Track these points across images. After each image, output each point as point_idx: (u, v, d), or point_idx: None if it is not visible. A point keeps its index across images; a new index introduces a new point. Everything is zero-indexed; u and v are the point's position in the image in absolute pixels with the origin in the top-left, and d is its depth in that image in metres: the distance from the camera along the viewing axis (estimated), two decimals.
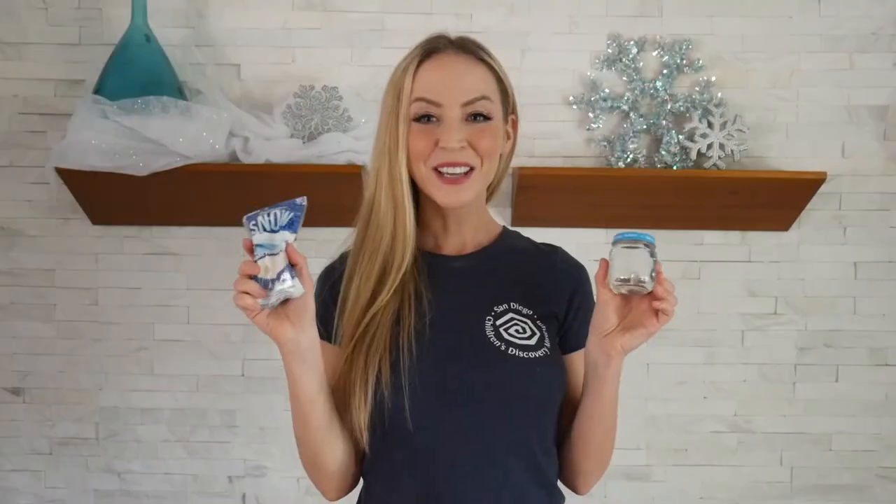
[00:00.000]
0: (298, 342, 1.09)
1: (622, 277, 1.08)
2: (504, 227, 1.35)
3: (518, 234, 1.35)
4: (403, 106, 1.18)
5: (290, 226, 1.05)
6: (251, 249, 1.05)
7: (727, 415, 2.21)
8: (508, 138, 1.28)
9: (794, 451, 2.21)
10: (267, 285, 1.03)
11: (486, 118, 1.20)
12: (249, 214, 1.07)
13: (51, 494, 2.19)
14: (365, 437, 1.19)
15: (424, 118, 1.19)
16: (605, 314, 1.12)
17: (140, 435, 2.19)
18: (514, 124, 1.29)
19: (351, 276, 1.23)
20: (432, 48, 1.21)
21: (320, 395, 1.16)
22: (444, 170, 1.18)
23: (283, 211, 1.05)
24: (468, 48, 1.23)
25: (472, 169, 1.19)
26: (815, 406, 2.21)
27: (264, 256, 1.03)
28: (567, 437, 1.26)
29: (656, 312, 1.09)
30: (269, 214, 1.05)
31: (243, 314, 1.06)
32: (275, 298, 1.04)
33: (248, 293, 1.03)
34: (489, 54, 1.24)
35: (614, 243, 1.10)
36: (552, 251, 1.32)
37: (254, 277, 1.03)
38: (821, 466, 2.21)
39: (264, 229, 1.04)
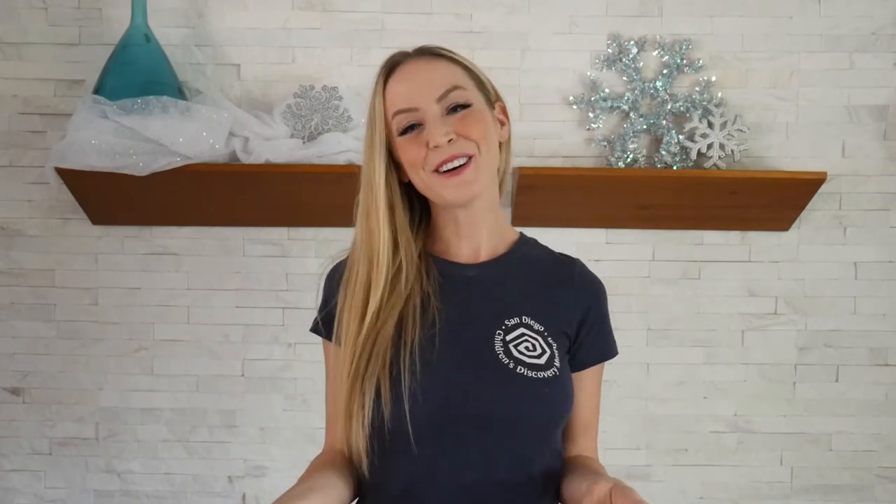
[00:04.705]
0: None
1: None
2: (521, 233, 1.32)
3: (535, 242, 1.32)
4: (377, 132, 1.18)
5: None
6: None
7: (727, 415, 2.21)
8: (502, 125, 1.26)
9: (794, 451, 2.21)
10: None
11: (465, 105, 1.18)
12: None
13: (51, 494, 2.19)
14: (365, 463, 1.19)
15: (409, 129, 1.18)
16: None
17: (140, 435, 2.19)
18: (504, 110, 1.27)
19: (346, 288, 1.22)
20: (392, 63, 1.21)
21: None
22: (444, 167, 1.17)
23: None
24: (424, 51, 1.22)
25: (470, 157, 1.17)
26: (815, 406, 2.21)
27: None
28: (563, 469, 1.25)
29: None
30: None
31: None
32: None
33: None
34: (449, 51, 1.23)
35: None
36: (571, 263, 1.29)
37: None
38: (821, 466, 2.21)
39: None
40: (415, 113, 1.17)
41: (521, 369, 1.16)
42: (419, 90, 1.17)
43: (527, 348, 1.18)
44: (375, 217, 1.19)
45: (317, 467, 1.22)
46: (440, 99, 1.17)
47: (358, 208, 1.22)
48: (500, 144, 1.25)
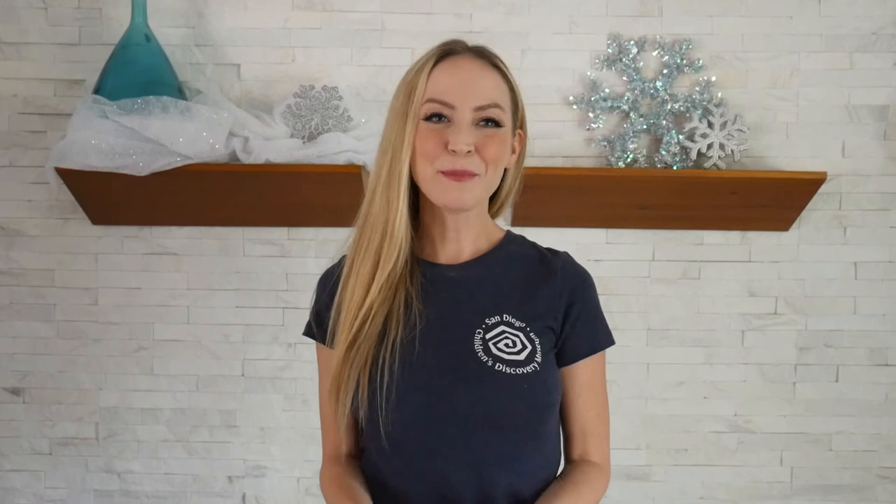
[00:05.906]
0: None
1: None
2: (507, 231, 1.32)
3: (522, 239, 1.32)
4: (414, 106, 1.17)
5: None
6: None
7: (727, 415, 2.21)
8: (514, 152, 1.27)
9: (794, 451, 2.21)
10: None
11: (497, 125, 1.19)
12: None
13: (51, 494, 2.19)
14: (344, 444, 1.26)
15: (435, 118, 1.18)
16: None
17: (140, 435, 2.19)
18: (522, 140, 1.28)
19: (348, 277, 1.22)
20: (449, 50, 1.21)
21: None
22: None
23: None
24: (484, 54, 1.22)
25: (475, 176, 1.18)
26: (815, 406, 2.21)
27: None
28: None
29: None
30: None
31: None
32: None
33: None
34: (505, 64, 1.23)
35: None
36: (554, 257, 1.28)
37: None
38: (821, 466, 2.21)
39: None
40: (449, 109, 1.17)
41: (499, 366, 1.15)
42: (463, 90, 1.17)
43: (506, 345, 1.18)
44: (396, 189, 1.19)
45: (342, 484, 1.22)
46: (478, 109, 1.17)
47: (377, 177, 1.21)
48: (506, 170, 1.26)
